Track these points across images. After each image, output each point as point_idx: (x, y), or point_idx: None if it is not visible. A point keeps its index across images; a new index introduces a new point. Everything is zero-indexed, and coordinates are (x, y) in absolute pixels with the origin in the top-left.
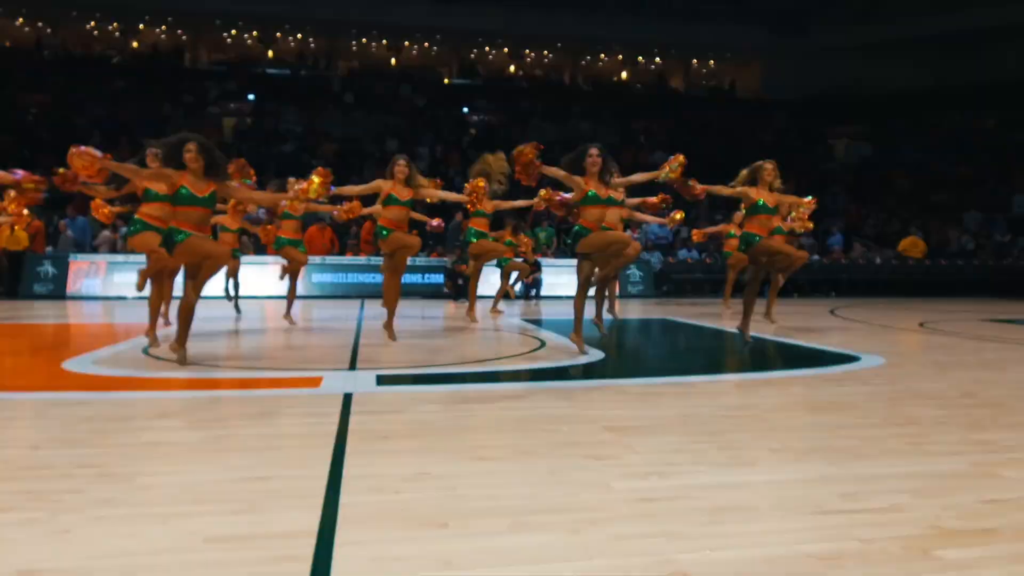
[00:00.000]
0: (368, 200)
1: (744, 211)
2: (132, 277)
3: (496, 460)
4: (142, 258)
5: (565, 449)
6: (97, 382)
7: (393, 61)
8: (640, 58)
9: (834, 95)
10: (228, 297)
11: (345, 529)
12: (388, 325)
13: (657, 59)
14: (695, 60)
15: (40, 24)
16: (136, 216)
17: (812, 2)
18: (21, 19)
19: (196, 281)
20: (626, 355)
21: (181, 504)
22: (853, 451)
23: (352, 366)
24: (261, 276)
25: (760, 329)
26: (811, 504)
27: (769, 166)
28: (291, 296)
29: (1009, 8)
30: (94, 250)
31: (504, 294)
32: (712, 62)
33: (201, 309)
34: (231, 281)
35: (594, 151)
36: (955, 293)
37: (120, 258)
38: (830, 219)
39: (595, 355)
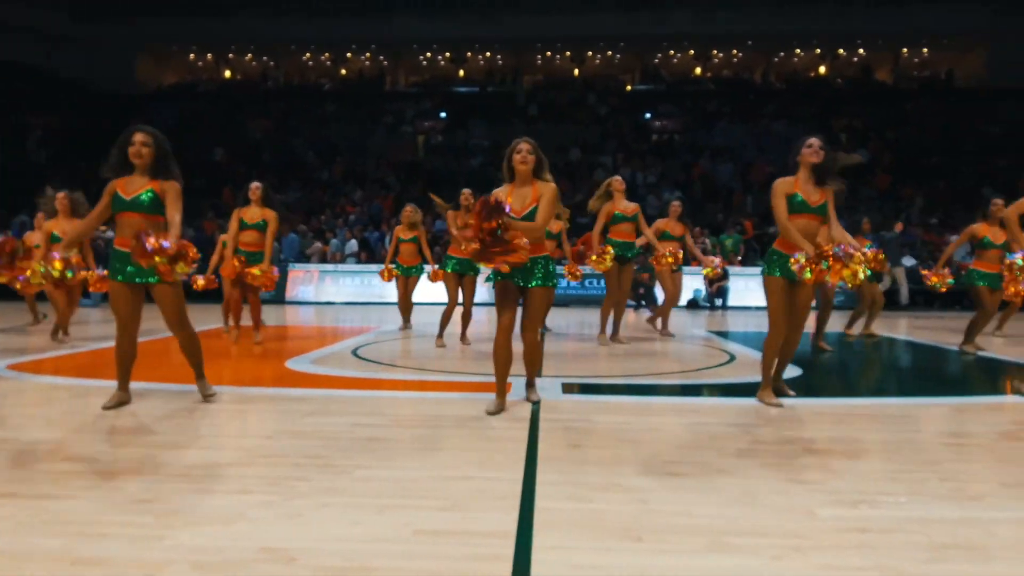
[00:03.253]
0: None
1: None
2: (341, 285)
3: (688, 476)
4: (349, 267)
5: (762, 470)
6: (316, 380)
7: (576, 72)
8: (841, 51)
9: None
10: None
11: (542, 533)
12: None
13: (860, 51)
14: (905, 49)
15: (265, 58)
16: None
17: None
18: (250, 55)
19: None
20: (830, 373)
21: (394, 497)
22: None
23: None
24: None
25: (987, 347)
26: None
27: None
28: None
29: None
30: (307, 260)
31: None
32: (925, 51)
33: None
34: None
35: (814, 141)
36: None
37: (330, 267)
38: None
39: (791, 371)
